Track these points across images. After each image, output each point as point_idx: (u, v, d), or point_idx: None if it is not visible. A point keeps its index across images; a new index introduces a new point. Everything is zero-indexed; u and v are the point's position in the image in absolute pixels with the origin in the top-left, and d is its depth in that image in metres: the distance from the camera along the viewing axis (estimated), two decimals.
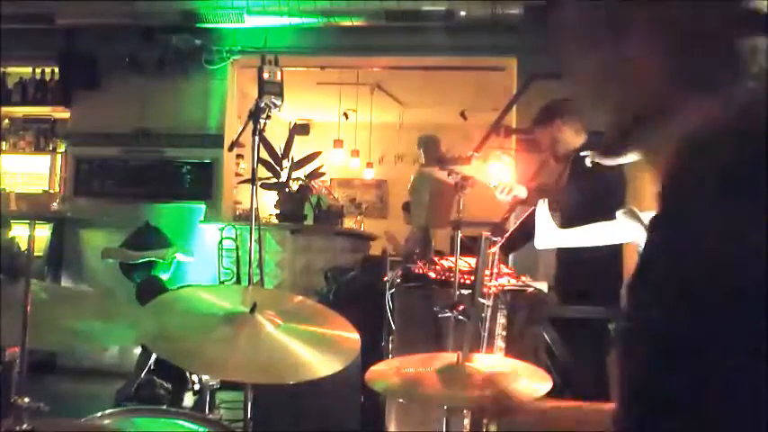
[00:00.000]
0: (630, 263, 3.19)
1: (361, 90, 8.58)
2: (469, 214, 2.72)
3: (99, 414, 1.77)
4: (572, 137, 3.36)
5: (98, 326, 1.74)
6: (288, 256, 5.97)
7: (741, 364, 0.69)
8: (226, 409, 3.84)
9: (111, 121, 6.62)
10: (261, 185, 5.12)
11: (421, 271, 3.03)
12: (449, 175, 2.65)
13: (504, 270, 3.01)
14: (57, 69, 6.75)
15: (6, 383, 1.47)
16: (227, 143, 6.14)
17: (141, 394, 4.71)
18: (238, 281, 5.52)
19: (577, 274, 3.14)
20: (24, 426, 1.38)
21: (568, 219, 3.08)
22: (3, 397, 1.42)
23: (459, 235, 2.63)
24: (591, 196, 2.99)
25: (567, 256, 3.20)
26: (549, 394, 1.83)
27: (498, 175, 2.95)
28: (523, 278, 3.01)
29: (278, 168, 6.10)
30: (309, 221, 6.28)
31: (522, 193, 3.11)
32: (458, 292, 2.54)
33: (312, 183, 6.42)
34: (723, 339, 0.70)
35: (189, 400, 3.87)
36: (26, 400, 1.39)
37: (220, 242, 5.89)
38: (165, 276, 5.43)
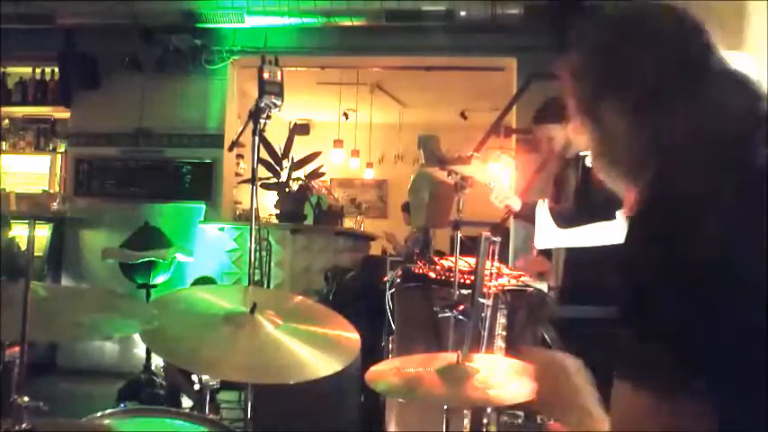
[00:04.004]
0: None
1: (361, 90, 8.58)
2: (469, 214, 2.72)
3: (99, 414, 1.77)
4: (577, 137, 3.30)
5: (101, 317, 1.74)
6: (288, 256, 5.97)
7: None
8: (226, 409, 3.85)
9: (111, 121, 6.61)
10: (261, 185, 5.12)
11: (421, 271, 3.03)
12: (449, 175, 2.65)
13: (504, 270, 3.01)
14: (57, 69, 6.74)
15: (6, 383, 1.47)
16: (227, 143, 6.14)
17: (141, 394, 4.72)
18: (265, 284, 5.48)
19: (588, 274, 3.13)
20: (24, 425, 1.38)
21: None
22: (3, 397, 1.42)
23: (459, 235, 2.64)
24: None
25: (576, 256, 3.18)
26: None
27: (498, 176, 2.95)
28: (523, 278, 3.00)
29: (278, 168, 6.09)
30: (309, 221, 6.28)
31: (515, 204, 3.10)
32: (458, 292, 2.54)
33: (312, 183, 6.42)
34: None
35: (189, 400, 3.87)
36: (26, 399, 1.38)
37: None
38: (164, 277, 5.44)
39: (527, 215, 3.10)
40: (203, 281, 5.15)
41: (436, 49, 6.25)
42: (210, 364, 1.81)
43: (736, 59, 2.36)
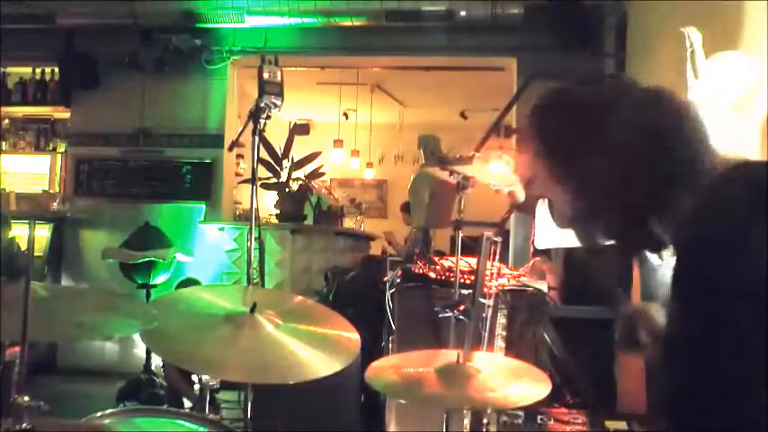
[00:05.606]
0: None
1: (361, 90, 8.57)
2: (470, 214, 2.72)
3: (99, 414, 1.77)
4: None
5: (101, 317, 1.74)
6: (288, 256, 5.97)
7: None
8: (226, 409, 3.85)
9: (111, 121, 6.61)
10: (261, 185, 5.12)
11: (421, 271, 3.03)
12: (449, 175, 2.65)
13: (505, 270, 3.00)
14: (57, 69, 6.74)
15: (6, 383, 1.46)
16: (227, 143, 6.14)
17: (141, 394, 4.72)
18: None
19: (588, 274, 3.13)
20: (24, 425, 1.38)
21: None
22: (3, 397, 1.42)
23: (460, 235, 2.64)
24: None
25: (576, 256, 3.18)
26: (549, 395, 1.83)
27: (499, 176, 2.94)
28: (523, 278, 3.00)
29: (278, 168, 6.09)
30: (309, 221, 6.28)
31: (519, 194, 3.09)
32: (458, 292, 2.54)
33: (312, 183, 6.41)
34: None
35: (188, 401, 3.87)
36: (26, 398, 1.38)
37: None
38: (164, 277, 5.44)
39: (529, 209, 3.10)
40: (188, 282, 5.15)
41: (436, 49, 6.25)
42: (210, 364, 1.81)
43: (733, 59, 2.36)
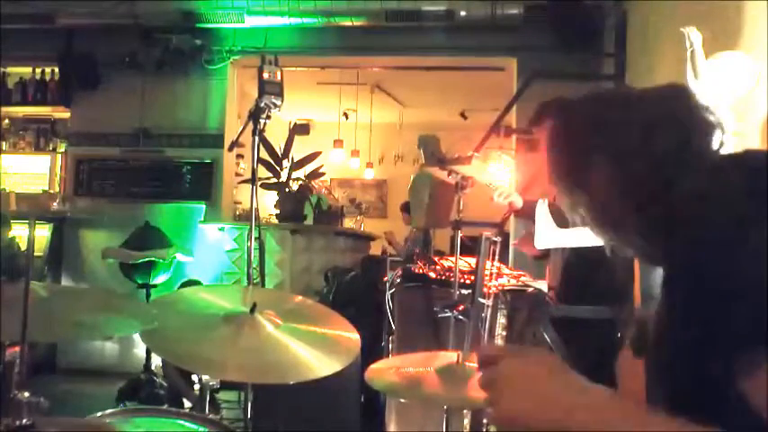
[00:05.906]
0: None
1: (361, 90, 8.58)
2: (469, 214, 2.72)
3: (99, 414, 1.77)
4: None
5: (101, 317, 1.74)
6: (288, 256, 5.97)
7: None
8: (226, 409, 3.85)
9: (111, 121, 6.61)
10: (261, 185, 5.12)
11: (421, 271, 3.03)
12: (449, 175, 2.65)
13: (505, 270, 3.01)
14: (57, 69, 6.75)
15: (6, 383, 1.46)
16: (227, 143, 6.14)
17: (141, 394, 4.72)
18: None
19: (587, 274, 3.13)
20: (24, 420, 1.38)
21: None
22: (3, 398, 1.42)
23: (460, 235, 2.64)
24: None
25: (575, 256, 3.19)
26: None
27: (498, 176, 2.95)
28: (523, 278, 3.01)
29: (278, 168, 6.09)
30: (309, 221, 6.28)
31: (517, 201, 3.11)
32: (458, 292, 2.54)
33: (312, 183, 6.42)
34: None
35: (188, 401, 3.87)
36: (26, 394, 1.38)
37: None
38: (164, 277, 5.44)
39: (528, 213, 3.11)
40: (190, 284, 5.15)
41: (436, 49, 6.26)
42: (210, 364, 1.81)
43: (733, 59, 2.36)
